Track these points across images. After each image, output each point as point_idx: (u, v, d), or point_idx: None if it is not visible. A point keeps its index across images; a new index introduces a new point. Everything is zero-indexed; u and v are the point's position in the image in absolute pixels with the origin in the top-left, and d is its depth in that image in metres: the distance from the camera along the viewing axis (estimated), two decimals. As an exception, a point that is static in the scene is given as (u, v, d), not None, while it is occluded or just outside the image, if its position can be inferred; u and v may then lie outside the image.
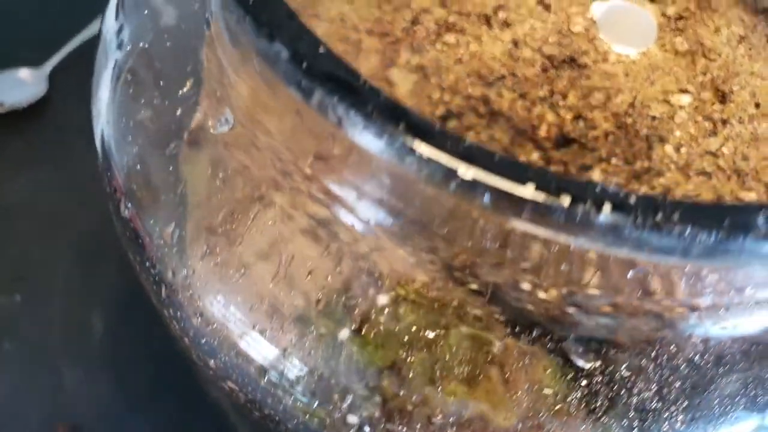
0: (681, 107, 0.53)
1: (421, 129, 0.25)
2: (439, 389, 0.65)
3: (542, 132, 0.57)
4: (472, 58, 0.61)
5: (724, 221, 0.25)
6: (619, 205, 0.25)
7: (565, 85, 0.56)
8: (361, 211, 0.39)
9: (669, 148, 0.52)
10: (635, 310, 0.37)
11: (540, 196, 0.25)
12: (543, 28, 0.58)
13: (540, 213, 0.25)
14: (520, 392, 0.66)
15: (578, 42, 0.57)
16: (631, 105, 0.54)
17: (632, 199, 0.26)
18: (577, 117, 0.55)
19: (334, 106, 0.26)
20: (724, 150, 0.52)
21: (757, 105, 0.54)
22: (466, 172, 0.25)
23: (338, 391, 0.58)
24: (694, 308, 0.35)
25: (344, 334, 0.65)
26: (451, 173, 0.25)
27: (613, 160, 0.53)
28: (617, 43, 0.58)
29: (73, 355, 0.80)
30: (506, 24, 0.59)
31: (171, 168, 0.42)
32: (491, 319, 0.68)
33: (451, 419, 0.65)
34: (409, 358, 0.66)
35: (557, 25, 0.58)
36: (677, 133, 0.52)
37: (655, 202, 0.26)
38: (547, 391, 0.67)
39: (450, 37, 0.61)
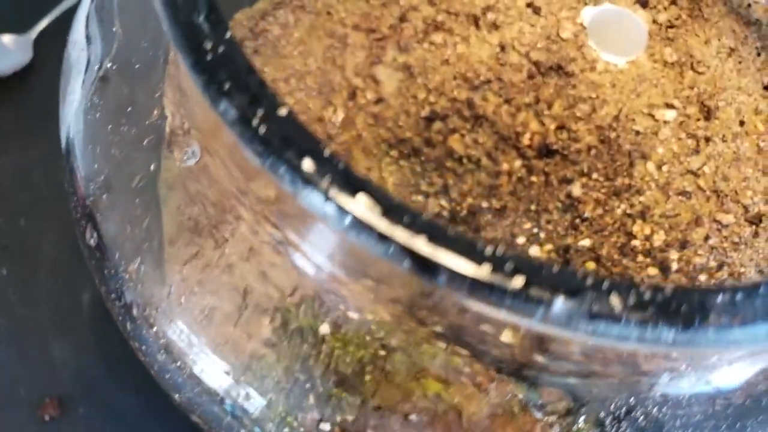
0: (666, 122, 0.52)
1: (380, 204, 0.25)
2: (420, 385, 0.66)
3: (525, 140, 0.56)
4: (459, 60, 0.59)
5: (681, 309, 0.25)
6: (574, 291, 0.24)
7: (551, 93, 0.55)
8: (313, 257, 0.38)
9: (651, 166, 0.51)
10: (605, 361, 0.37)
11: (496, 278, 0.24)
12: (532, 33, 0.56)
13: (494, 294, 0.24)
14: (491, 392, 0.67)
15: (566, 49, 0.55)
16: (616, 118, 0.52)
17: (588, 282, 0.25)
18: (561, 127, 0.54)
19: (289, 175, 0.25)
20: (706, 169, 0.51)
21: (742, 123, 0.53)
22: (423, 250, 0.24)
23: (313, 397, 0.59)
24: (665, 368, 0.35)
25: (325, 328, 0.65)
26: (405, 251, 0.24)
27: (594, 175, 0.52)
28: (606, 50, 0.56)
29: (62, 330, 0.80)
30: (495, 26, 0.57)
31: (137, 200, 0.41)
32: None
33: (426, 415, 0.66)
34: (390, 356, 0.66)
35: (546, 29, 0.56)
36: (660, 150, 0.51)
37: (611, 287, 0.25)
38: (519, 394, 0.68)
39: (437, 37, 0.59)
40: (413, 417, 0.65)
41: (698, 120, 0.53)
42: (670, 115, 0.52)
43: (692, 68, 0.55)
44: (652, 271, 0.50)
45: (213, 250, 0.60)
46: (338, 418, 0.61)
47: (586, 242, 0.52)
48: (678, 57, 0.55)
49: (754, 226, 0.50)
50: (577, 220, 0.53)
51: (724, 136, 0.52)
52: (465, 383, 0.66)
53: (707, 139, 0.52)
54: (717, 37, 0.56)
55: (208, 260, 0.60)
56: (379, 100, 0.64)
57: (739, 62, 0.55)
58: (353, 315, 0.65)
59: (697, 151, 0.51)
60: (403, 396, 0.65)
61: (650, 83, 0.54)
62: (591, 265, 0.52)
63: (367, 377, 0.64)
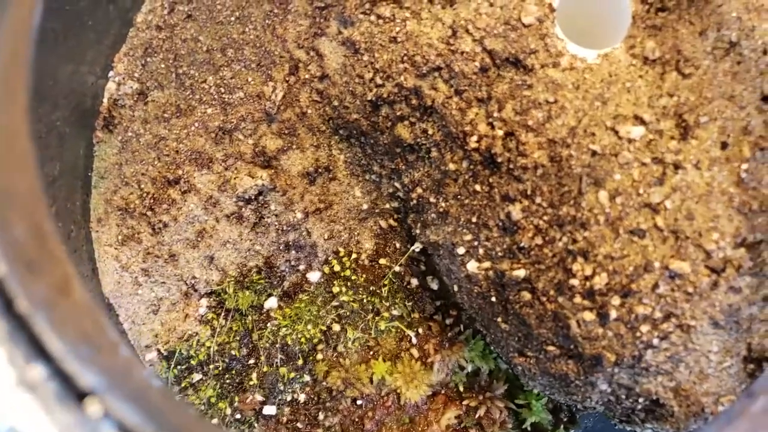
0: (630, 141, 0.42)
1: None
2: (369, 366, 0.62)
3: (472, 143, 0.46)
4: (408, 39, 0.48)
5: None
6: None
7: (505, 92, 0.44)
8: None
9: (603, 196, 0.41)
10: None
11: None
12: (489, 14, 0.45)
13: None
14: (436, 368, 0.62)
15: (527, 38, 0.44)
16: (572, 131, 0.42)
17: None
18: (510, 135, 0.44)
19: None
20: (667, 204, 0.41)
21: (724, 145, 0.41)
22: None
23: (256, 376, 0.56)
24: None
25: (271, 302, 0.60)
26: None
27: (538, 199, 0.43)
28: (575, 40, 0.44)
29: None
30: (449, 0, 0.46)
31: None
32: (424, 293, 0.63)
33: (372, 398, 0.62)
34: (343, 334, 0.61)
35: (507, 11, 0.44)
36: (617, 177, 0.41)
37: None
38: (467, 366, 0.63)
39: (385, 9, 0.48)
40: (359, 401, 0.62)
41: (671, 139, 0.42)
42: (637, 132, 0.41)
43: (677, 68, 0.43)
44: (588, 315, 0.42)
45: (151, 236, 0.54)
46: (287, 398, 0.57)
47: (521, 272, 0.44)
48: (662, 53, 0.43)
49: (714, 275, 0.41)
50: (515, 247, 0.44)
51: (698, 162, 0.41)
52: (413, 356, 0.61)
53: (677, 166, 0.41)
54: (717, 26, 0.43)
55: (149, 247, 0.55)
56: (323, 77, 0.53)
57: (738, 62, 0.42)
58: (314, 277, 0.60)
59: (661, 181, 0.41)
60: (352, 381, 0.61)
61: (622, 86, 0.43)
62: (526, 296, 0.45)
63: (319, 356, 0.60)
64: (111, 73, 0.52)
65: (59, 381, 0.19)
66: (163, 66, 0.52)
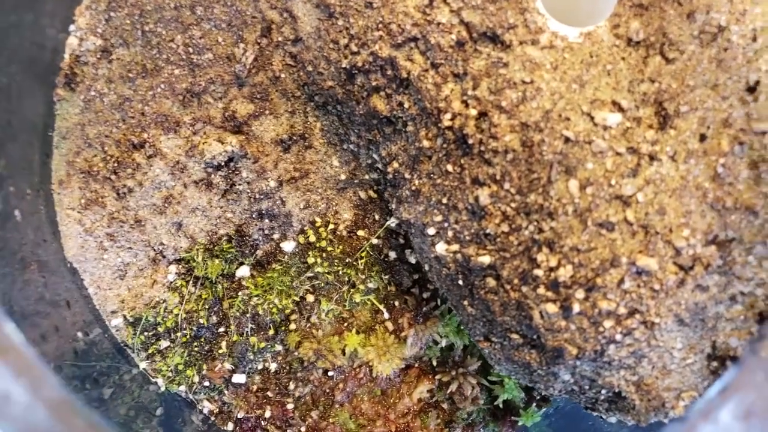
0: (605, 129, 0.41)
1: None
2: (342, 338, 0.63)
3: (446, 120, 0.46)
4: (384, 6, 0.46)
5: None
6: None
7: (481, 68, 0.43)
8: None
9: (573, 185, 0.41)
10: None
11: None
12: (467, -16, 0.43)
13: None
14: (409, 342, 0.63)
15: (507, 11, 0.43)
16: (547, 115, 0.41)
17: None
18: (483, 115, 0.43)
19: None
20: (640, 197, 0.40)
21: (703, 137, 0.40)
22: None
23: (225, 345, 0.57)
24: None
25: (243, 271, 0.60)
26: None
27: (506, 185, 0.43)
28: (558, 17, 0.43)
29: None
30: (427, -33, 0.44)
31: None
32: (401, 267, 0.63)
33: (344, 370, 0.63)
34: (316, 305, 0.62)
35: (486, -18, 0.43)
36: (589, 166, 0.41)
37: None
38: (441, 341, 0.64)
39: (360, -27, 0.46)
40: (331, 373, 0.63)
41: (649, 128, 0.41)
42: (613, 119, 0.41)
43: (661, 52, 0.42)
44: (551, 307, 0.42)
45: (115, 200, 0.54)
46: (258, 366, 0.58)
47: (486, 259, 0.44)
48: (647, 35, 0.42)
49: (682, 273, 0.41)
50: (481, 233, 0.44)
51: (675, 153, 0.40)
52: (387, 329, 0.62)
53: (652, 157, 0.40)
54: (706, 8, 0.41)
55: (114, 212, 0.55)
56: (297, 40, 0.52)
57: (725, 49, 0.41)
58: (288, 247, 0.60)
59: (634, 172, 0.40)
60: (324, 353, 0.62)
61: (603, 68, 0.42)
62: (491, 283, 0.45)
63: (292, 326, 0.61)
64: (72, 27, 0.51)
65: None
66: (128, 22, 0.51)
